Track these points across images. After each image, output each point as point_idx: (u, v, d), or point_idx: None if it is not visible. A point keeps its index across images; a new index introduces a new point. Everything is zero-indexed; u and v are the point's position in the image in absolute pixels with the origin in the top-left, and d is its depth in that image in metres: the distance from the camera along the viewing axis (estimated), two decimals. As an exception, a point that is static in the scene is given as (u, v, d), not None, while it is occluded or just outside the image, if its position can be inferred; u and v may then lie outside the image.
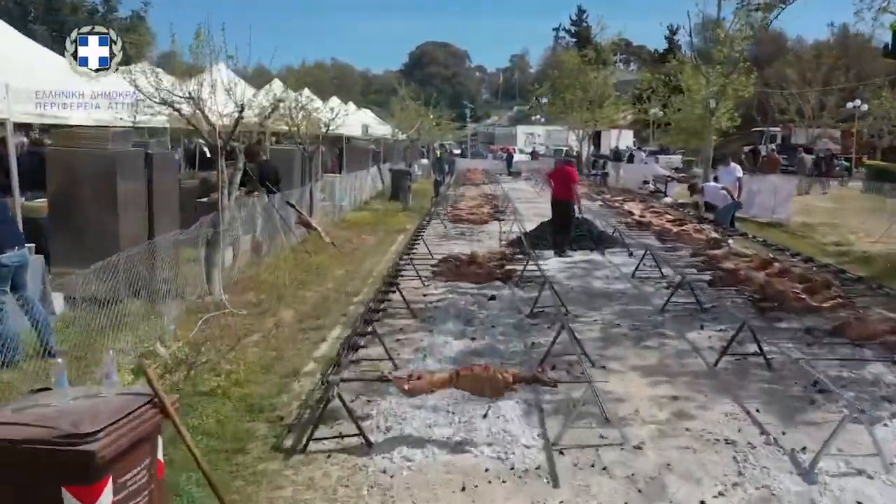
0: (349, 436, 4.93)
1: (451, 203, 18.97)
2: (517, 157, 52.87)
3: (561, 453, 4.74)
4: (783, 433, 5.03)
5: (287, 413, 5.49)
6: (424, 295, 9.21)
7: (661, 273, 10.36)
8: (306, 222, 12.26)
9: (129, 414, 2.90)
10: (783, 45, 61.15)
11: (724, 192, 13.31)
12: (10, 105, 6.85)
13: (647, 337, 7.44)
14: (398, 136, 29.56)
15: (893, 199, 17.89)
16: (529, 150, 63.44)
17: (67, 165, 7.56)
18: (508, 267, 9.09)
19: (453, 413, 5.37)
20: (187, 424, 5.10)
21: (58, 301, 7.16)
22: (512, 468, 4.55)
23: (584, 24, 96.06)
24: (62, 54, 9.28)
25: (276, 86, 14.09)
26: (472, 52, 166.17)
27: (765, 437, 4.97)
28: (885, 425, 5.15)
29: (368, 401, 5.65)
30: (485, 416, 5.31)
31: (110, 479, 2.75)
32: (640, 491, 4.27)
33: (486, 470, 4.52)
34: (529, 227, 14.35)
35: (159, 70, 8.47)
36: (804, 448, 4.79)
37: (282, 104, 11.91)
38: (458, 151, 62.59)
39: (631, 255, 12.11)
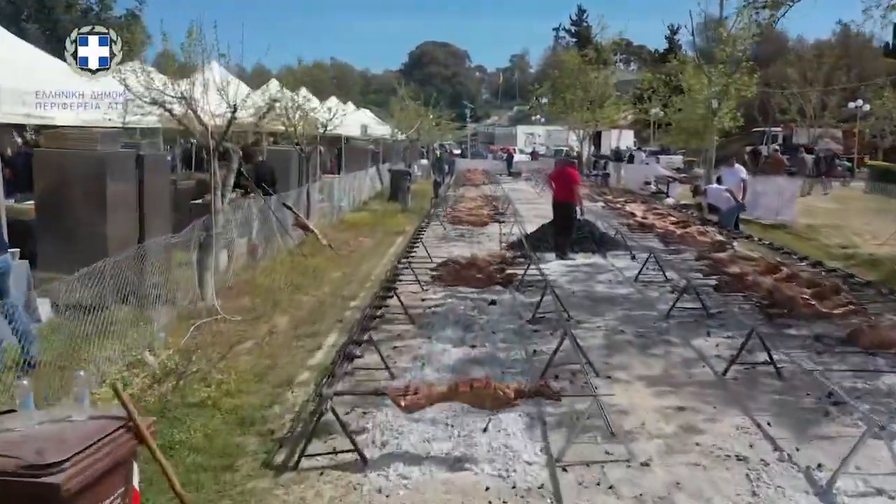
0: (343, 452, 4.71)
1: (450, 204, 18.73)
2: (517, 157, 52.66)
3: (564, 470, 4.53)
4: (797, 449, 4.81)
5: (279, 426, 5.27)
6: (423, 300, 8.99)
7: (665, 277, 10.14)
8: (303, 224, 12.04)
9: (100, 440, 2.68)
10: (784, 45, 60.94)
11: (728, 194, 13.07)
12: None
13: (653, 344, 7.22)
14: (397, 136, 29.33)
15: (899, 200, 17.68)
16: (529, 150, 63.24)
17: (54, 167, 7.34)
18: (509, 271, 8.87)
19: (452, 426, 5.15)
20: (173, 439, 4.91)
21: (44, 307, 6.94)
22: (514, 487, 4.33)
23: (585, 24, 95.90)
24: (55, 53, 9.09)
25: (273, 86, 13.88)
26: (472, 52, 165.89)
27: (778, 454, 4.75)
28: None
29: (364, 413, 5.43)
30: (485, 429, 5.09)
31: (78, 513, 2.52)
32: (648, 512, 4.06)
33: (487, 489, 4.30)
34: (530, 228, 14.14)
35: (151, 69, 8.25)
36: (820, 465, 4.57)
37: (277, 104, 11.70)
38: (457, 152, 62.34)
39: (634, 257, 11.89)
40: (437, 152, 36.76)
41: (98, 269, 6.29)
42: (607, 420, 4.86)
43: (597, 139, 43.23)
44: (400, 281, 8.77)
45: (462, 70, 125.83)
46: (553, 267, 11.17)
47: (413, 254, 11.34)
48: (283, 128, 13.35)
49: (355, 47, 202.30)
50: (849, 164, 36.64)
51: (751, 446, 4.87)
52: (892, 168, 29.94)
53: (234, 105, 7.58)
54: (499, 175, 39.33)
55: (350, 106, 25.95)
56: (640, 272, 10.33)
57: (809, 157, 30.57)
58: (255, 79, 23.15)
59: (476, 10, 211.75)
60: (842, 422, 5.26)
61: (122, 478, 2.77)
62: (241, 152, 12.88)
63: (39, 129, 12.21)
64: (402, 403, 4.56)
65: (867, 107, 36.59)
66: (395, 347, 7.09)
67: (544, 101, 47.32)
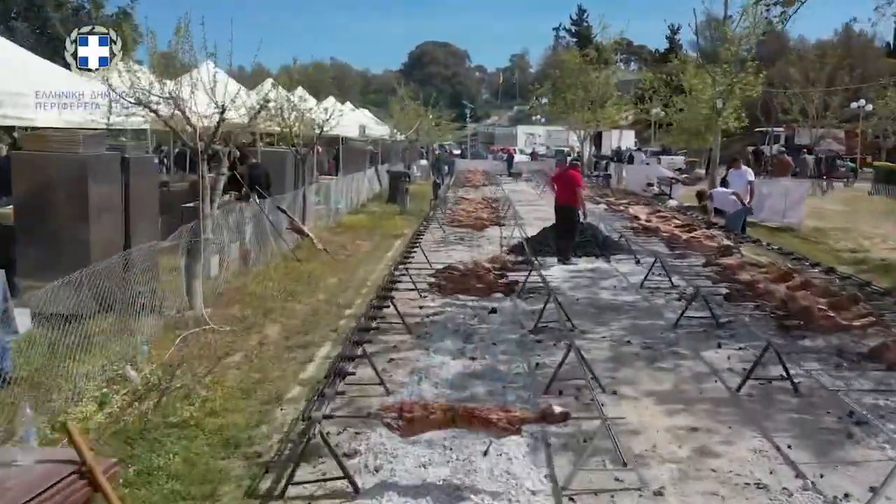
0: (333, 479, 4.37)
1: (450, 206, 18.40)
2: (518, 157, 52.35)
3: (571, 500, 4.20)
4: (821, 475, 4.47)
5: (266, 448, 4.94)
6: (421, 307, 8.67)
7: (672, 283, 9.80)
8: (298, 228, 11.69)
9: (48, 489, 2.35)
10: (785, 45, 60.57)
11: (734, 197, 12.72)
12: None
13: (661, 357, 6.88)
14: (397, 136, 29.00)
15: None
16: (529, 150, 62.91)
17: (34, 170, 7.01)
18: (511, 277, 8.54)
19: (450, 449, 4.82)
20: (152, 464, 4.58)
21: (24, 318, 6.59)
22: (517, 520, 4.00)
23: (585, 24, 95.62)
24: (45, 51, 8.81)
25: (267, 85, 13.55)
26: (472, 52, 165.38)
27: (801, 481, 4.41)
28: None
29: (356, 433, 5.10)
30: (485, 453, 4.76)
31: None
32: (664, 550, 3.73)
33: (487, 522, 3.97)
34: (531, 231, 13.81)
35: (137, 68, 7.92)
36: (847, 495, 4.24)
37: (271, 104, 11.37)
38: (457, 152, 61.98)
39: (638, 262, 11.57)
40: (437, 153, 36.44)
41: (80, 277, 5.99)
42: (617, 446, 4.51)
43: (597, 139, 42.90)
44: (397, 288, 8.43)
45: (462, 70, 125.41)
46: (555, 272, 10.83)
47: (411, 258, 11.01)
48: (278, 129, 13.01)
49: (355, 47, 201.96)
50: (852, 164, 36.30)
51: (771, 472, 4.54)
52: (898, 169, 29.60)
53: (223, 105, 7.23)
54: (499, 176, 38.99)
55: (348, 106, 25.63)
56: (645, 278, 9.99)
57: (810, 158, 30.25)
58: (255, 79, 22.85)
59: (476, 10, 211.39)
60: (867, 444, 4.93)
61: (73, 531, 2.44)
62: (238, 152, 12.67)
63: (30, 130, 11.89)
64: (397, 430, 4.23)
65: (870, 107, 36.24)
66: (391, 360, 6.77)
67: (544, 101, 46.97)
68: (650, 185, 25.11)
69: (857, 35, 61.21)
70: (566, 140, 54.71)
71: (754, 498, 4.24)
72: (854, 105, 38.46)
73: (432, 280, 8.53)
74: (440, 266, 9.35)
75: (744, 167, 13.48)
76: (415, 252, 11.69)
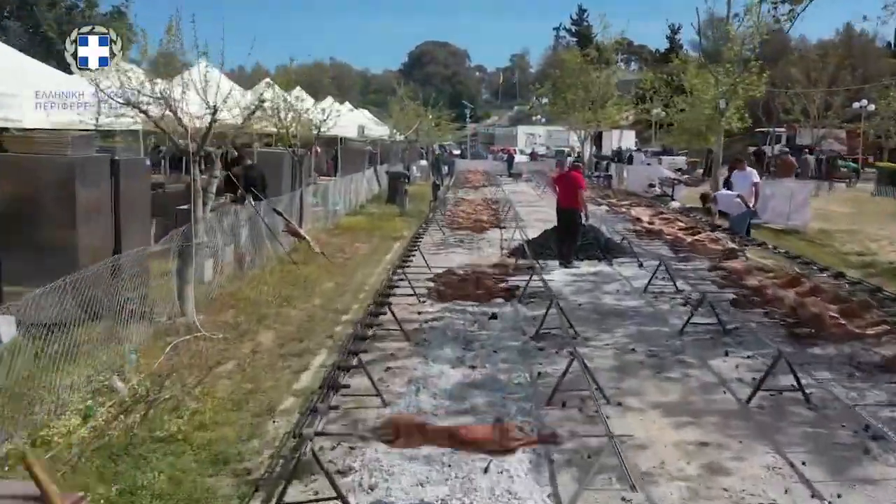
0: (326, 499, 4.16)
1: (449, 208, 18.21)
2: (518, 158, 52.12)
3: (577, 522, 3.98)
4: (839, 495, 4.26)
5: (256, 465, 4.73)
6: (419, 313, 8.45)
7: (676, 287, 9.58)
8: (294, 231, 11.47)
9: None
10: (786, 45, 60.35)
11: (739, 200, 12.47)
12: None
13: (667, 366, 6.66)
14: (396, 136, 28.77)
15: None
16: (529, 150, 62.66)
17: (20, 172, 6.79)
18: (512, 282, 8.35)
19: (449, 466, 4.60)
20: (136, 483, 4.36)
21: (8, 326, 6.38)
22: (519, 545, 3.79)
23: (585, 24, 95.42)
24: (38, 50, 8.62)
25: (264, 85, 13.33)
26: (472, 51, 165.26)
27: (818, 502, 4.19)
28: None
29: (351, 448, 4.89)
30: (485, 470, 4.55)
31: None
32: (675, 579, 3.51)
33: (488, 548, 3.75)
34: (532, 233, 13.59)
35: (128, 67, 7.71)
36: (867, 517, 4.02)
37: (267, 104, 11.16)
38: (457, 152, 61.75)
39: (641, 265, 11.35)
40: (437, 153, 36.21)
41: (67, 283, 5.78)
42: (624, 464, 4.29)
43: (598, 140, 42.68)
44: (394, 294, 8.22)
45: (462, 70, 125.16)
46: (557, 276, 10.61)
47: (410, 262, 10.80)
48: (274, 129, 12.79)
49: (355, 47, 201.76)
50: (854, 164, 36.06)
51: (786, 491, 4.32)
52: (903, 169, 29.32)
53: (214, 106, 7.01)
54: (499, 176, 38.78)
55: (346, 106, 25.40)
56: (649, 282, 9.76)
57: (811, 158, 30.02)
58: (255, 79, 22.60)
59: (476, 10, 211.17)
60: (885, 461, 4.72)
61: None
62: (235, 152, 12.46)
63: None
64: (394, 445, 4.02)
65: (872, 107, 36.00)
66: (388, 369, 6.55)
67: (544, 101, 46.74)
68: (652, 186, 24.88)
69: (858, 35, 61.07)
70: (566, 140, 54.47)
71: (769, 520, 4.03)
72: (856, 105, 38.23)
73: (431, 285, 8.34)
74: (439, 270, 9.16)
75: (748, 168, 13.24)
76: (414, 255, 11.48)
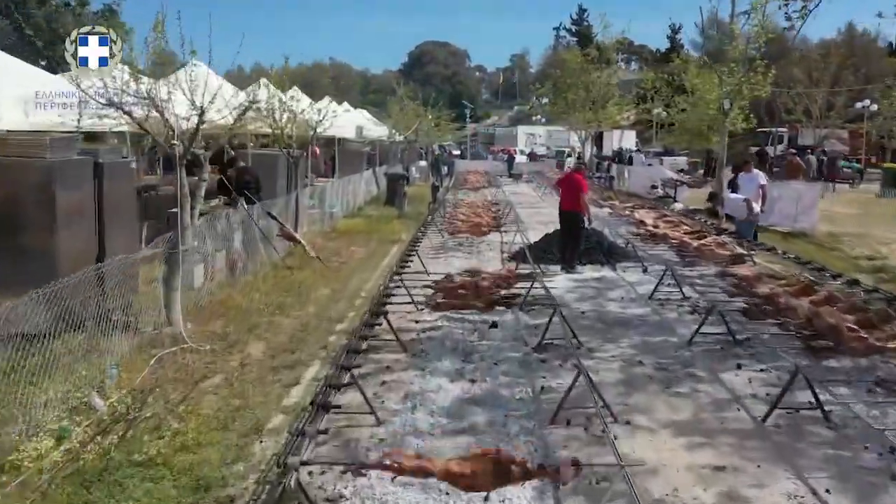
0: (313, 533, 3.84)
1: (449, 210, 17.87)
2: (518, 158, 51.82)
3: (585, 559, 3.66)
4: (868, 528, 3.94)
5: (240, 492, 4.41)
6: (417, 321, 8.13)
7: (683, 294, 9.26)
8: (289, 235, 11.15)
9: None
10: (787, 45, 60.05)
11: (746, 203, 12.13)
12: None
13: (677, 380, 6.34)
14: (395, 137, 28.44)
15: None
16: (528, 150, 62.34)
17: (-4, 177, 6.46)
18: (513, 290, 8.03)
19: (447, 494, 4.29)
20: (108, 514, 4.05)
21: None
22: (523, 587, 3.47)
23: (585, 24, 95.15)
24: (28, 48, 8.36)
25: (260, 85, 13.00)
26: (472, 51, 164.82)
27: (847, 537, 3.88)
28: None
29: (342, 472, 4.56)
30: (486, 498, 4.24)
31: None
32: None
33: (489, 590, 3.43)
34: (533, 236, 13.28)
35: (119, 67, 7.41)
36: (901, 554, 3.70)
37: (261, 104, 10.85)
38: (457, 152, 61.43)
39: (646, 270, 11.03)
40: (436, 153, 35.89)
41: (46, 292, 5.47)
42: (637, 497, 3.96)
43: (598, 140, 42.35)
44: (391, 302, 7.90)
45: (462, 70, 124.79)
46: (559, 282, 10.28)
47: (408, 267, 10.49)
48: (269, 130, 12.46)
49: (355, 47, 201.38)
50: (858, 165, 35.75)
51: (811, 524, 4.01)
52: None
53: (201, 106, 6.69)
54: (499, 177, 38.45)
55: (344, 106, 25.07)
56: (655, 289, 9.43)
57: (813, 159, 29.71)
58: (255, 79, 22.29)
59: (476, 10, 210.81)
60: (915, 488, 4.40)
61: None
62: (232, 151, 12.14)
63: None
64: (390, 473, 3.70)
65: (875, 107, 35.69)
66: (383, 383, 6.24)
67: (545, 101, 46.42)
68: (654, 187, 24.55)
69: (860, 34, 60.77)
70: (567, 140, 54.15)
71: (794, 557, 3.71)
72: (859, 105, 37.93)
73: (430, 292, 8.02)
74: (438, 275, 8.83)
75: (755, 170, 12.89)
76: (412, 260, 11.17)
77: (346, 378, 5.36)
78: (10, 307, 5.23)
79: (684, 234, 11.52)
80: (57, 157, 6.52)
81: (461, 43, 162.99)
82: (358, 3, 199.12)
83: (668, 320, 8.40)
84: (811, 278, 8.16)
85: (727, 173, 16.89)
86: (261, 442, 5.11)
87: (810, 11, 8.40)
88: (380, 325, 6.98)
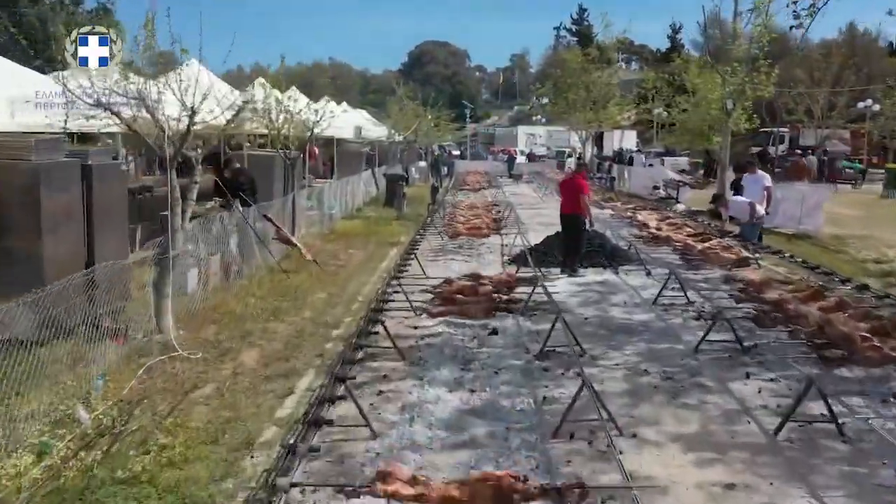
0: (303, 558, 3.63)
1: (448, 211, 17.67)
2: (518, 158, 51.61)
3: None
4: (890, 553, 3.73)
5: (228, 512, 4.20)
6: (415, 327, 7.91)
7: (688, 299, 9.04)
8: (285, 238, 10.93)
9: None
10: (789, 44, 59.83)
11: (749, 206, 11.89)
12: None
13: (683, 390, 6.12)
14: (395, 137, 28.23)
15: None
16: (527, 150, 62.11)
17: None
18: (514, 295, 7.82)
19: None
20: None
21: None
22: None
23: (586, 24, 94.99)
24: (20, 48, 8.21)
25: (256, 85, 12.80)
26: (472, 51, 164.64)
27: (868, 563, 3.67)
28: None
29: (336, 492, 4.34)
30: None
31: None
32: None
33: None
34: (534, 238, 13.06)
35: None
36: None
37: (259, 104, 10.64)
38: (457, 153, 61.22)
39: (649, 273, 10.81)
40: (436, 153, 35.68)
41: (29, 299, 5.26)
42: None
43: (599, 140, 42.16)
44: (389, 308, 7.69)
45: (462, 70, 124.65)
46: (561, 286, 10.05)
47: (406, 270, 10.30)
48: (265, 130, 12.25)
49: (354, 47, 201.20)
50: (860, 165, 35.53)
51: (829, 548, 3.80)
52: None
53: (192, 107, 6.48)
54: (499, 177, 38.25)
55: (343, 106, 24.86)
56: (659, 293, 9.21)
57: (814, 159, 29.51)
58: (255, 79, 22.10)
59: (476, 10, 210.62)
60: (937, 507, 4.19)
61: None
62: (230, 151, 11.94)
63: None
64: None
65: (876, 107, 35.49)
66: (380, 393, 6.02)
67: (545, 101, 46.22)
68: (656, 188, 24.34)
69: (861, 34, 60.52)
70: (567, 140, 53.97)
71: (814, 585, 3.50)
72: (860, 105, 37.72)
73: (428, 297, 7.82)
74: (437, 279, 8.63)
75: (759, 171, 12.67)
76: (410, 263, 10.98)
77: (341, 389, 5.15)
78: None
79: (688, 236, 11.31)
80: (42, 158, 6.31)
81: (461, 43, 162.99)
82: (358, 3, 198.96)
83: (672, 326, 8.18)
84: (820, 283, 7.94)
85: (730, 174, 16.70)
86: (252, 457, 4.89)
87: (819, 9, 8.19)
88: (376, 332, 6.77)
